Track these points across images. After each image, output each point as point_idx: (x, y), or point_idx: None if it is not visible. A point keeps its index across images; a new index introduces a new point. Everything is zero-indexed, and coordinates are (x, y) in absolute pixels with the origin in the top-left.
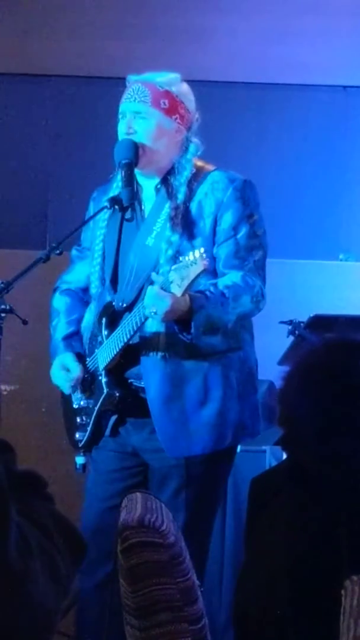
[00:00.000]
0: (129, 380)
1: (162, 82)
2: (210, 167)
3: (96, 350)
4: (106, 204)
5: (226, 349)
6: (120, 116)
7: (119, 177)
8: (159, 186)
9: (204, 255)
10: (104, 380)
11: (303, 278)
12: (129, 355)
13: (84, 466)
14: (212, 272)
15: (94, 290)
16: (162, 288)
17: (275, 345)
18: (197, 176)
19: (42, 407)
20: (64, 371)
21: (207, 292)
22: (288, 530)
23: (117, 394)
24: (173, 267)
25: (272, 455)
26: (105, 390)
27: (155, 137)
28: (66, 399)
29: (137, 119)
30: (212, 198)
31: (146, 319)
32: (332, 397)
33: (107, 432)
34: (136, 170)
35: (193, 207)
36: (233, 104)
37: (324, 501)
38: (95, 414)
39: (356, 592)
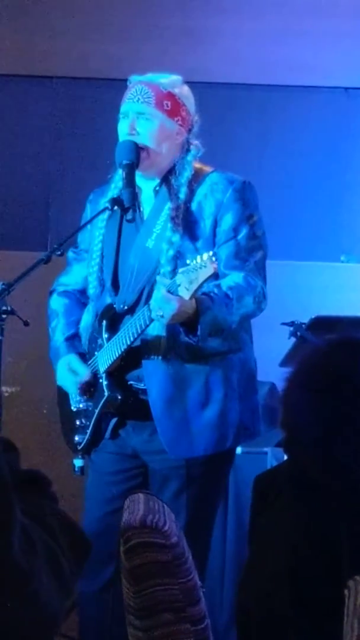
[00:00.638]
0: (129, 382)
1: (165, 84)
2: (208, 168)
3: (96, 353)
4: (107, 205)
5: (227, 350)
6: (121, 116)
7: (118, 177)
8: (157, 188)
9: (214, 258)
10: (104, 383)
11: (305, 279)
12: (130, 357)
13: (82, 469)
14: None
15: (91, 290)
16: (169, 291)
17: (276, 346)
18: (196, 178)
19: (43, 409)
20: (71, 373)
21: (212, 294)
22: (289, 531)
23: (119, 397)
24: (181, 270)
25: (274, 456)
26: (106, 393)
27: (158, 139)
28: (63, 401)
29: (140, 120)
30: (211, 200)
31: (151, 321)
32: (333, 399)
33: (107, 434)
34: (136, 172)
35: (193, 208)
36: (235, 106)
37: (325, 503)
38: (96, 417)
39: None
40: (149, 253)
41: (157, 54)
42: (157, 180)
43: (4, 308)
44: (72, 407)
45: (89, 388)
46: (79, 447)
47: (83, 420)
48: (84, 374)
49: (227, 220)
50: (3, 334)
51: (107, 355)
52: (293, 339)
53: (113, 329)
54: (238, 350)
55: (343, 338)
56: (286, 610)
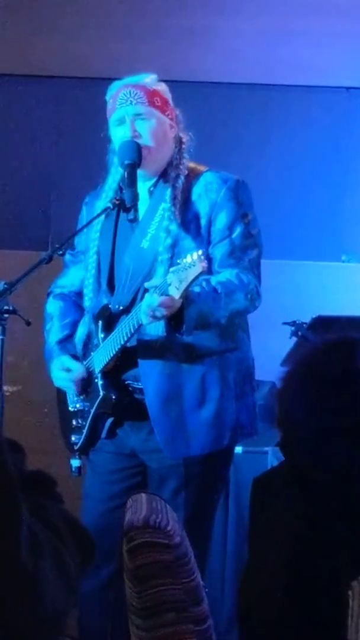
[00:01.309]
0: (126, 382)
1: (149, 83)
2: (202, 168)
3: (92, 353)
4: (109, 204)
5: (223, 349)
6: (117, 123)
7: (117, 178)
8: (152, 189)
9: (202, 257)
10: (100, 382)
11: (306, 279)
12: (126, 357)
13: (79, 469)
14: (207, 272)
15: (87, 303)
16: (159, 290)
17: (278, 346)
18: (191, 177)
19: (44, 408)
20: (65, 372)
21: (199, 288)
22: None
23: (113, 397)
24: (171, 270)
25: (274, 456)
26: (101, 393)
27: (158, 136)
28: (62, 401)
29: (138, 121)
30: (206, 199)
31: (140, 325)
32: (329, 398)
33: (103, 434)
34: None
35: (188, 208)
36: (236, 105)
37: (321, 503)
38: (91, 417)
39: None
40: (144, 254)
41: (157, 54)
42: (153, 181)
43: (6, 307)
44: (70, 408)
45: (85, 386)
46: (76, 448)
47: (80, 421)
48: (78, 370)
49: (222, 219)
50: (5, 333)
51: (102, 355)
52: (294, 339)
53: (109, 329)
54: (235, 349)
55: (339, 338)
56: (286, 609)
